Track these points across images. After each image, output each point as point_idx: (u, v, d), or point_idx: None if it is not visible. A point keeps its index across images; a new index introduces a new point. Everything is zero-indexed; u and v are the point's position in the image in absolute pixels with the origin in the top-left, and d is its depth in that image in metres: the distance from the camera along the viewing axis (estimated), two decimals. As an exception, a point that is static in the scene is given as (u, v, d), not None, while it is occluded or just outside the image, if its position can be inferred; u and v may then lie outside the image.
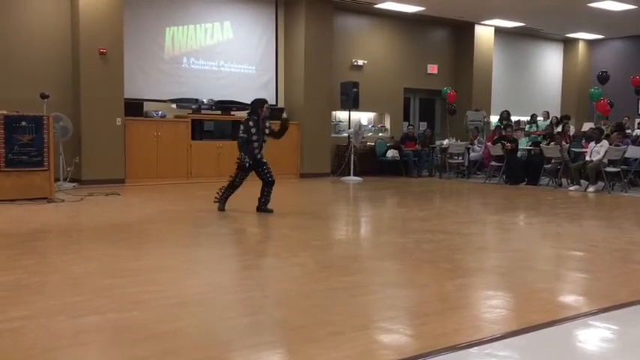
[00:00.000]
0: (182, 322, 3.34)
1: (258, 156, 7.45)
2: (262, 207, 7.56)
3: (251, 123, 7.30)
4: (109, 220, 7.05)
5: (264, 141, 7.49)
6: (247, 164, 7.33)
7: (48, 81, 10.33)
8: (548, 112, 15.65)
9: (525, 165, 12.31)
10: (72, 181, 10.24)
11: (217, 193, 7.68)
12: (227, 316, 3.48)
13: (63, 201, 8.40)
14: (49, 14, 10.59)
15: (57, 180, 9.48)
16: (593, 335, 3.30)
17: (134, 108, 11.10)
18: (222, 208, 7.59)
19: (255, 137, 7.32)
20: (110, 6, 10.61)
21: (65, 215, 7.51)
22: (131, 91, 11.18)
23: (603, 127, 12.31)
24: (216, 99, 12.04)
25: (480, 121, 14.95)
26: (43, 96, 9.60)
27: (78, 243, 5.86)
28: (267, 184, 7.55)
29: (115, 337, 3.11)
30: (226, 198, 7.66)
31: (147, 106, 11.42)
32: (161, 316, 3.42)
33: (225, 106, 12.11)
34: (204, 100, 11.88)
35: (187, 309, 3.60)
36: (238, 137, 7.36)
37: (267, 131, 7.48)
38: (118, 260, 4.88)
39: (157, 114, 11.42)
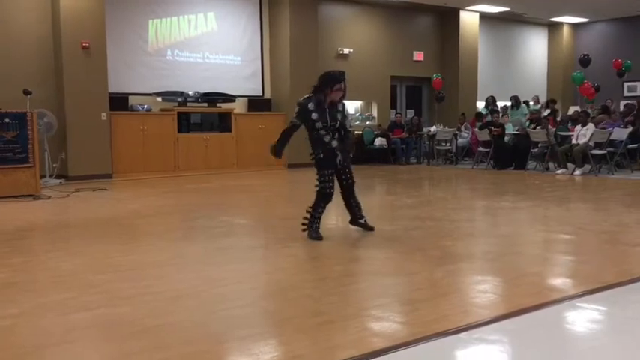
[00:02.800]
0: (172, 316, 3.34)
1: (334, 144, 5.37)
2: (359, 219, 5.72)
3: (310, 105, 5.26)
4: (97, 216, 7.01)
5: (340, 130, 5.40)
6: (321, 156, 5.33)
7: (31, 77, 10.21)
8: (538, 97, 15.72)
9: (512, 150, 12.37)
10: (58, 177, 10.16)
11: (304, 217, 5.43)
12: (218, 308, 3.48)
13: (49, 198, 8.33)
14: (30, 9, 10.44)
15: (43, 177, 9.40)
16: (581, 317, 3.33)
17: (119, 102, 11.02)
18: (315, 236, 5.36)
19: (319, 125, 5.30)
20: (91, 0, 10.50)
21: (52, 212, 7.45)
22: (116, 85, 11.08)
23: (589, 111, 12.39)
24: (201, 91, 11.97)
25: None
26: (27, 92, 9.49)
27: (66, 240, 5.82)
28: (346, 189, 5.62)
29: (106, 333, 3.11)
30: (316, 219, 5.42)
31: (132, 100, 11.34)
32: (152, 311, 3.42)
33: (212, 98, 12.05)
34: (190, 93, 11.81)
35: (178, 303, 3.59)
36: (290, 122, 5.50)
37: (339, 117, 5.30)
38: (107, 256, 4.86)
39: (143, 107, 11.34)
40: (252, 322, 3.28)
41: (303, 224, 5.45)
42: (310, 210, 5.43)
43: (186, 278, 4.15)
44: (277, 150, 5.47)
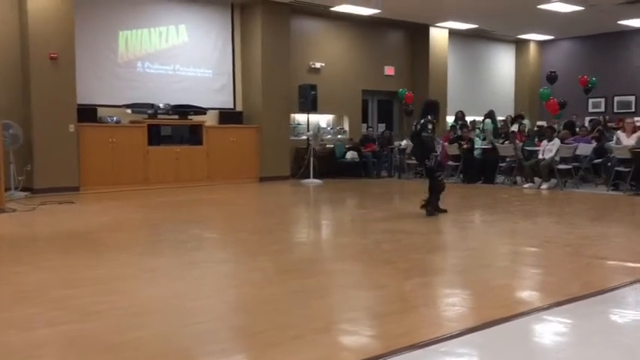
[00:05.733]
0: (139, 331, 3.29)
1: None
2: (430, 208, 7.64)
3: (430, 126, 7.54)
4: (63, 230, 6.87)
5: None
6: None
7: (-4, 87, 10.01)
8: (510, 117, 15.89)
9: (481, 164, 12.55)
10: (24, 190, 9.94)
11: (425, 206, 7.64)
12: (186, 323, 3.43)
13: (15, 211, 8.14)
14: (-3, 18, 10.27)
15: (8, 189, 9.20)
16: (547, 329, 3.39)
17: (88, 114, 10.86)
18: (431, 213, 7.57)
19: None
20: (60, 10, 10.35)
21: (17, 225, 7.29)
22: (84, 97, 10.93)
23: (555, 126, 12.66)
24: (172, 103, 11.88)
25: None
26: (-8, 103, 9.30)
27: (31, 253, 5.69)
28: (435, 191, 7.69)
29: (70, 349, 3.04)
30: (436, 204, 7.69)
31: (101, 112, 11.19)
32: (118, 326, 3.36)
33: (183, 110, 11.97)
34: (161, 105, 11.71)
35: (145, 318, 3.54)
36: (425, 136, 7.55)
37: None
38: (72, 270, 4.76)
39: (112, 119, 11.20)
40: (221, 337, 3.24)
41: (426, 208, 7.59)
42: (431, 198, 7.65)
43: (155, 293, 4.10)
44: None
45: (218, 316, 3.61)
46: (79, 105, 10.69)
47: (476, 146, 12.80)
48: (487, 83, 18.06)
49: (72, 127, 10.52)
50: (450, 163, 12.90)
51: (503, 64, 18.51)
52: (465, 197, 10.35)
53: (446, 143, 13.24)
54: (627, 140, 10.63)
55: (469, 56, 17.53)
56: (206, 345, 3.07)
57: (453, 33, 16.37)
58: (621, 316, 3.65)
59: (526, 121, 15.00)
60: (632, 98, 16.35)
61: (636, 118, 13.27)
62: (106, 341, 3.11)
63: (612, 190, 10.45)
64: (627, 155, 10.19)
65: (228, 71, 13.14)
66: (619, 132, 11.20)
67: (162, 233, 6.79)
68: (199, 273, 4.78)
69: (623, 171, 10.34)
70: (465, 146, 12.52)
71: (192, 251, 5.64)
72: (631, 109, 16.17)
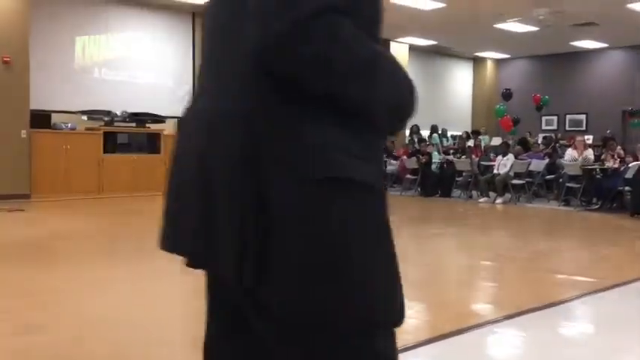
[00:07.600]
0: (87, 345, 3.20)
1: None
2: None
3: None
4: (12, 239, 6.65)
5: None
6: None
7: (-55, 90, 9.67)
8: (467, 132, 16.24)
9: (439, 177, 12.75)
10: (-29, 196, 9.60)
11: None
12: (144, 335, 3.36)
13: (-39, 218, 7.86)
14: (-53, 19, 9.94)
15: (-46, 196, 8.87)
16: (500, 341, 3.45)
17: (41, 119, 10.58)
18: None
19: None
20: (15, 12, 10.09)
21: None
22: (38, 102, 10.65)
23: (510, 142, 12.98)
24: (130, 111, 11.69)
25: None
26: (-61, 106, 8.98)
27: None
28: None
29: (15, 362, 2.93)
30: None
31: (55, 118, 10.93)
32: (70, 339, 3.26)
33: (140, 118, 11.79)
34: (118, 112, 11.51)
35: (92, 331, 3.44)
36: None
37: None
38: (21, 280, 4.60)
39: (67, 126, 10.94)
40: (180, 348, 3.18)
41: None
42: None
43: (101, 304, 3.99)
44: None
45: (178, 327, 3.54)
46: (32, 110, 10.41)
47: (434, 160, 13.00)
48: (445, 99, 18.40)
49: (24, 133, 10.23)
50: (409, 176, 13.06)
51: (461, 80, 18.91)
52: (423, 210, 10.48)
53: (404, 157, 13.42)
54: (578, 157, 10.97)
55: (428, 72, 17.85)
56: (164, 358, 3.01)
57: (413, 48, 16.64)
58: (569, 328, 3.75)
59: (482, 137, 15.35)
60: (583, 117, 16.92)
61: (587, 137, 13.73)
62: (55, 355, 3.01)
63: (563, 205, 10.75)
64: (578, 172, 10.52)
65: (188, 80, 13.02)
66: (570, 149, 11.55)
67: (118, 243, 6.64)
68: (158, 283, 4.69)
69: (573, 187, 10.66)
70: (424, 160, 12.71)
71: (145, 262, 5.53)
72: (582, 127, 16.72)
